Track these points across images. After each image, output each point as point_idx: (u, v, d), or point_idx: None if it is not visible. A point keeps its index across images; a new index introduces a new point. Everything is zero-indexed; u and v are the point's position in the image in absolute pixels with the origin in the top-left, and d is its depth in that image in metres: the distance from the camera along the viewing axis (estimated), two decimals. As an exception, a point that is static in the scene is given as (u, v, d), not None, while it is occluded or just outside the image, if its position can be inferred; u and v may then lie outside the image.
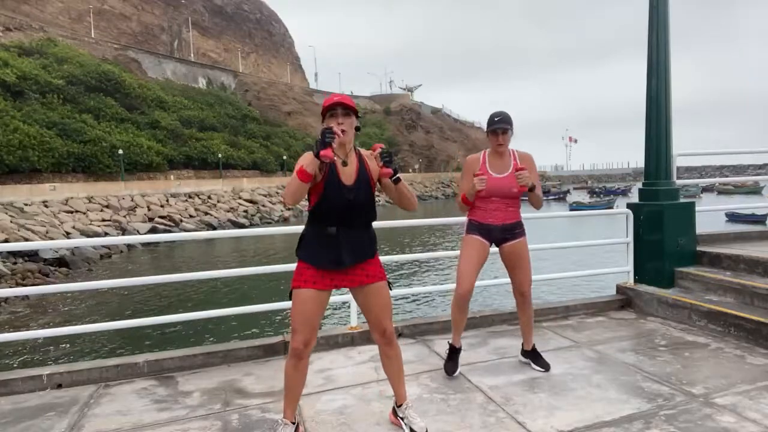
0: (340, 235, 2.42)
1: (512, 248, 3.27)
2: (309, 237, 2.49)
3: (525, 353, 3.50)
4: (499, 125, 3.14)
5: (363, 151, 2.52)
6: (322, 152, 2.18)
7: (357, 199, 2.41)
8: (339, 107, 2.36)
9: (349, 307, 4.20)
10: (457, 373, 3.35)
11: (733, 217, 24.87)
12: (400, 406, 2.66)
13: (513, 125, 3.19)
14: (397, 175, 2.40)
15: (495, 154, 3.23)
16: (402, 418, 2.62)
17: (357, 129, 2.46)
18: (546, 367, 3.37)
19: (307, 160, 2.24)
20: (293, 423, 2.52)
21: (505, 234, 3.25)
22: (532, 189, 3.11)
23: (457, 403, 2.94)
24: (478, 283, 5.36)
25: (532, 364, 3.42)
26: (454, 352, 3.40)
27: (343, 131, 2.31)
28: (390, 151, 2.39)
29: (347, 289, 2.59)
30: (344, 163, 2.41)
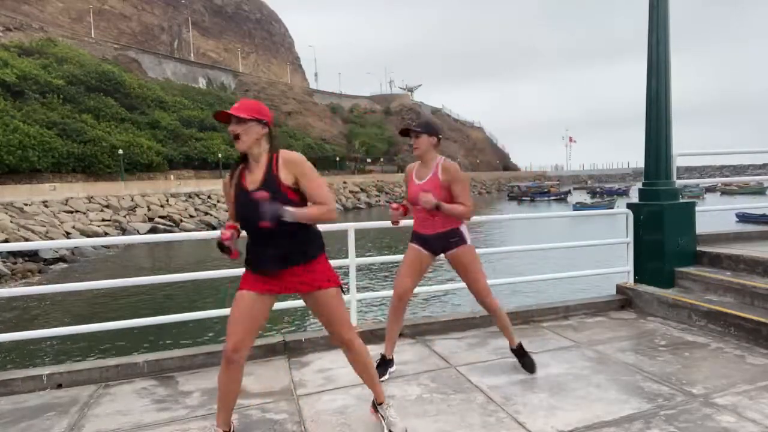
0: (261, 240, 2.37)
1: (451, 258, 3.24)
2: (248, 240, 2.47)
3: (512, 351, 3.45)
4: (413, 128, 3.19)
5: (285, 154, 2.37)
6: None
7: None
8: (232, 116, 2.30)
9: (348, 307, 4.20)
10: (386, 377, 3.26)
11: (743, 218, 24.46)
12: (380, 404, 2.64)
13: (435, 132, 3.19)
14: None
15: (422, 162, 3.25)
16: (382, 417, 2.62)
17: (270, 136, 2.39)
18: (531, 370, 3.31)
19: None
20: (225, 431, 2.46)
21: (442, 243, 3.22)
22: (437, 208, 3.03)
23: (457, 403, 2.94)
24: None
25: (518, 365, 3.39)
26: (383, 362, 3.33)
27: (237, 137, 2.32)
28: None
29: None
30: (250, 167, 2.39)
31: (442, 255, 3.30)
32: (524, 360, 3.38)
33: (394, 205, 3.29)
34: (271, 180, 2.32)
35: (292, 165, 2.34)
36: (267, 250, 2.35)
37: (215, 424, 2.48)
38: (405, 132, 3.24)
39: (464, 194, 3.12)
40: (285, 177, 2.32)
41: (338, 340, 2.56)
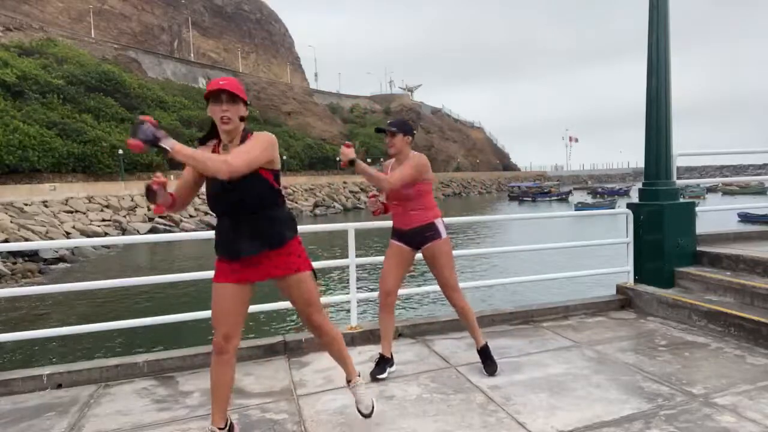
0: (233, 224, 2.32)
1: (426, 251, 3.29)
2: (216, 229, 2.43)
3: (477, 351, 3.43)
4: (388, 127, 3.24)
5: (257, 134, 2.33)
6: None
7: (235, 185, 2.24)
8: (223, 94, 2.23)
9: (349, 306, 4.20)
10: (384, 375, 3.31)
11: (746, 218, 24.39)
12: (349, 381, 2.68)
13: (410, 131, 3.24)
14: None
15: (397, 160, 3.28)
16: (353, 394, 2.67)
17: (242, 119, 2.30)
18: (491, 371, 3.31)
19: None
20: (221, 429, 2.40)
21: (418, 237, 3.27)
22: (351, 164, 2.95)
23: (457, 403, 2.94)
24: (479, 283, 5.36)
25: (482, 365, 3.39)
26: (381, 360, 3.38)
27: (228, 119, 2.24)
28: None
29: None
30: (225, 147, 2.33)
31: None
32: (487, 362, 3.37)
33: (371, 194, 3.34)
34: None
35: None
36: (243, 232, 2.29)
37: (211, 423, 2.43)
38: (381, 130, 3.28)
39: (400, 171, 3.14)
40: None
41: (310, 324, 2.55)
